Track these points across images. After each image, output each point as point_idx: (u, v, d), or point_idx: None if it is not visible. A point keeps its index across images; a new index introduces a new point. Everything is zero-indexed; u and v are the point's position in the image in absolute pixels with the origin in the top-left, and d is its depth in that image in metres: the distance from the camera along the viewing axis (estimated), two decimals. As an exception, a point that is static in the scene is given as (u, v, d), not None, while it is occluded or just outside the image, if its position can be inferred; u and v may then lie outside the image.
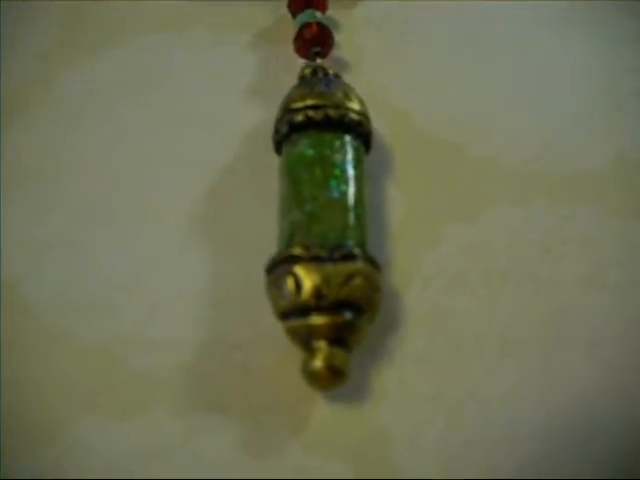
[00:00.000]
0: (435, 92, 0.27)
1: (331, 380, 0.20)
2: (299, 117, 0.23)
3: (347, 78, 0.26)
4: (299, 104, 0.23)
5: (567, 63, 0.28)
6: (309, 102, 0.23)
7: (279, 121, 0.24)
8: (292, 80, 0.25)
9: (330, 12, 0.28)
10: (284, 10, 0.28)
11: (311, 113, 0.23)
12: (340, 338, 0.21)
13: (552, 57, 0.28)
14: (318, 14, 0.27)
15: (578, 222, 0.25)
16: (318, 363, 0.20)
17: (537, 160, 0.26)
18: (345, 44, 0.28)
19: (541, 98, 0.27)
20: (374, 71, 0.27)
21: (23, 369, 0.22)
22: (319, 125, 0.23)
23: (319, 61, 0.26)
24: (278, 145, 0.24)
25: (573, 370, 0.22)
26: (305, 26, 0.26)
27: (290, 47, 0.27)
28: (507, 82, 0.27)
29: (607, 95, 0.27)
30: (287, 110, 0.23)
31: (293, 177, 0.22)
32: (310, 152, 0.23)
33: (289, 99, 0.24)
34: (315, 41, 0.26)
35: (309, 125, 0.23)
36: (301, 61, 0.26)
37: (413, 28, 0.28)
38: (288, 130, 0.23)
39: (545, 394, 0.22)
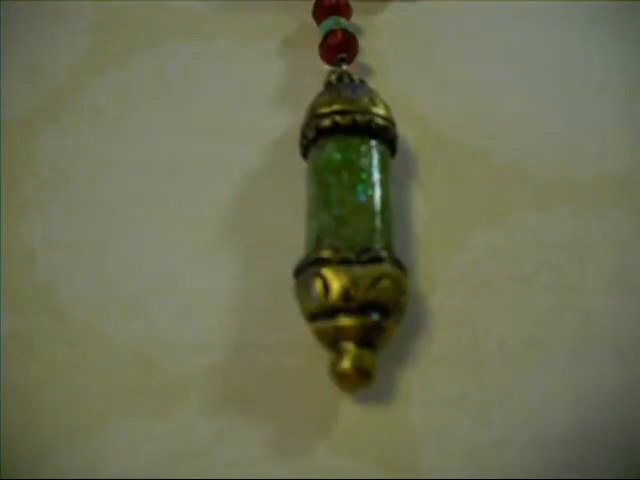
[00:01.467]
0: (459, 97, 0.27)
1: (359, 381, 0.21)
2: (326, 122, 0.23)
3: (371, 84, 0.26)
4: (326, 109, 0.24)
5: (592, 66, 0.28)
6: (336, 107, 0.23)
7: (306, 126, 0.24)
8: (318, 86, 0.26)
9: (354, 18, 0.28)
10: (309, 17, 0.28)
11: (338, 118, 0.23)
12: (367, 339, 0.21)
13: (577, 60, 0.28)
14: (343, 21, 0.27)
15: (603, 226, 0.25)
16: (346, 364, 0.21)
17: (561, 164, 0.26)
18: (369, 50, 0.28)
19: (565, 101, 0.27)
20: (398, 77, 0.28)
21: (58, 371, 0.22)
22: (346, 130, 0.23)
23: (344, 67, 0.26)
24: (305, 150, 0.24)
25: (599, 373, 0.22)
26: (330, 33, 0.26)
27: (315, 53, 0.27)
28: (531, 86, 0.28)
29: (632, 97, 0.28)
30: (314, 115, 0.24)
31: (321, 181, 0.23)
32: (337, 156, 0.23)
33: (316, 104, 0.24)
34: (340, 48, 0.26)
35: (336, 130, 0.23)
36: (326, 67, 0.27)
37: (436, 34, 0.29)
38: (315, 135, 0.23)
39: (571, 397, 0.22)
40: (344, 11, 0.27)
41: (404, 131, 0.26)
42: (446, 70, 0.28)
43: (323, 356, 0.21)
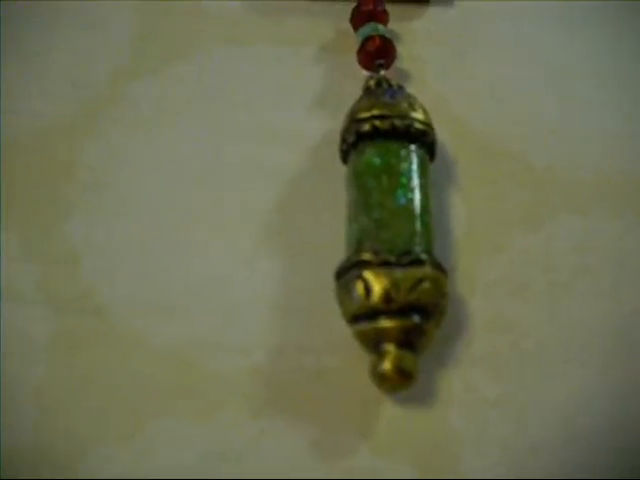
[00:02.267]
0: (495, 101, 0.27)
1: (399, 382, 0.21)
2: (366, 127, 0.23)
3: (409, 89, 0.26)
4: (365, 114, 0.24)
5: (628, 68, 0.28)
6: (375, 112, 0.24)
7: (346, 131, 0.24)
8: (356, 91, 0.26)
9: (391, 24, 0.28)
10: (345, 24, 0.28)
11: (377, 123, 0.23)
12: (408, 341, 0.21)
13: (613, 62, 0.28)
14: (380, 27, 0.27)
15: (640, 232, 0.25)
16: (387, 365, 0.21)
17: (599, 168, 0.26)
18: (406, 55, 0.28)
19: (601, 104, 0.27)
20: (435, 82, 0.28)
21: (100, 372, 0.22)
22: (385, 134, 0.23)
23: (382, 73, 0.26)
24: (345, 154, 0.24)
25: (635, 377, 0.22)
26: (368, 39, 0.27)
27: (352, 58, 0.27)
28: (567, 89, 0.28)
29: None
30: (354, 120, 0.24)
31: (361, 185, 0.23)
32: (377, 161, 0.23)
33: (355, 109, 0.24)
34: (378, 54, 0.26)
35: (375, 134, 0.23)
36: (364, 72, 0.27)
37: (472, 38, 0.29)
38: (355, 139, 0.24)
39: (607, 401, 0.22)
40: (381, 17, 0.28)
41: (442, 135, 0.26)
42: (482, 74, 0.28)
43: (364, 358, 0.22)
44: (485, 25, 0.29)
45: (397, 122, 0.23)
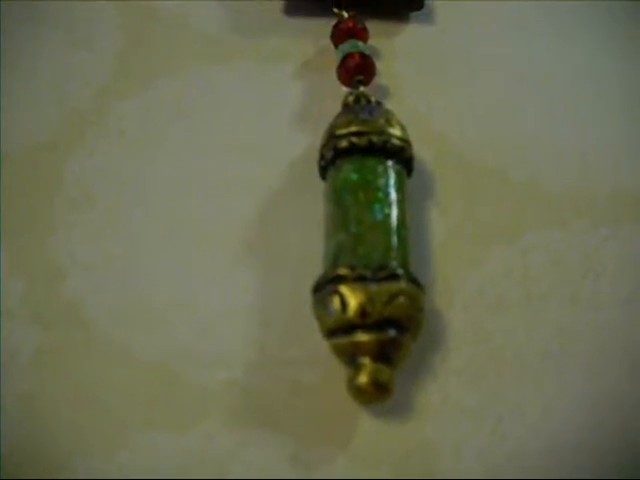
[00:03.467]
0: (474, 116, 0.28)
1: (376, 395, 0.21)
2: (343, 143, 0.24)
3: (388, 105, 0.26)
4: (343, 130, 0.24)
5: (607, 82, 0.29)
6: (353, 129, 0.24)
7: (324, 147, 0.24)
8: (335, 107, 0.26)
9: (371, 41, 0.29)
10: (326, 40, 0.29)
11: (355, 139, 0.24)
12: (384, 355, 0.21)
13: (595, 78, 0.29)
14: (360, 44, 0.28)
15: (618, 243, 0.25)
16: (363, 379, 0.21)
17: (577, 181, 0.26)
18: (386, 72, 0.28)
19: (580, 118, 0.28)
20: (414, 97, 0.28)
21: (84, 384, 0.23)
22: (363, 151, 0.24)
23: (362, 89, 0.27)
24: (323, 170, 0.25)
25: (612, 387, 0.23)
26: (348, 56, 0.27)
27: (333, 75, 0.28)
28: (546, 104, 0.28)
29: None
30: (332, 136, 0.24)
31: (338, 201, 0.23)
32: (354, 177, 0.23)
33: (334, 126, 0.25)
34: (358, 70, 0.27)
35: (353, 151, 0.24)
36: (344, 89, 0.27)
37: (452, 54, 0.29)
38: (333, 156, 0.24)
39: (585, 410, 0.22)
40: (361, 34, 0.28)
41: (421, 151, 0.26)
42: (461, 90, 0.28)
43: (341, 371, 0.22)
44: (464, 41, 0.30)
45: (374, 138, 0.24)
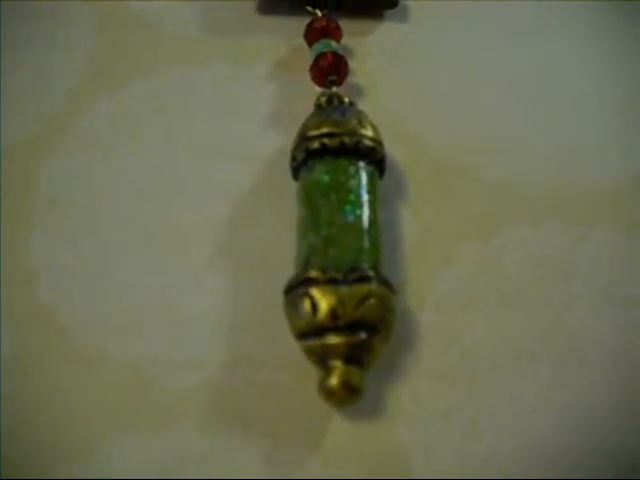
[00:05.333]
0: (448, 116, 0.28)
1: (347, 397, 0.21)
2: (315, 144, 0.24)
3: (361, 104, 0.27)
4: (315, 132, 0.24)
5: (582, 84, 0.29)
6: (324, 130, 0.24)
7: (296, 148, 0.25)
8: (309, 107, 0.26)
9: (344, 40, 0.29)
10: (300, 40, 0.29)
11: (326, 140, 0.24)
12: (355, 357, 0.21)
13: (567, 78, 0.29)
14: (333, 43, 0.28)
15: (591, 242, 0.25)
16: (334, 381, 0.21)
17: (551, 181, 0.27)
18: (359, 70, 0.29)
19: (555, 119, 0.28)
20: (387, 97, 0.28)
21: (58, 388, 0.23)
22: (334, 152, 0.24)
23: (334, 89, 0.27)
24: (295, 171, 0.25)
25: (585, 386, 0.23)
26: (321, 55, 0.27)
27: (306, 75, 0.28)
28: (520, 104, 0.28)
29: (622, 116, 0.28)
30: (303, 138, 0.24)
31: (310, 202, 0.23)
32: (326, 178, 0.23)
33: (305, 127, 0.25)
34: (331, 70, 0.27)
35: (325, 152, 0.24)
36: (317, 89, 0.27)
37: (425, 54, 0.29)
38: (304, 157, 0.24)
39: (558, 410, 0.23)
40: (334, 33, 0.28)
41: (393, 150, 0.26)
42: (435, 89, 0.28)
43: (314, 373, 0.22)
44: (438, 40, 0.30)
45: (346, 139, 0.24)
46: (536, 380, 0.23)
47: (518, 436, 0.22)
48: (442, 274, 0.25)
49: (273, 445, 0.22)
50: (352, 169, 0.24)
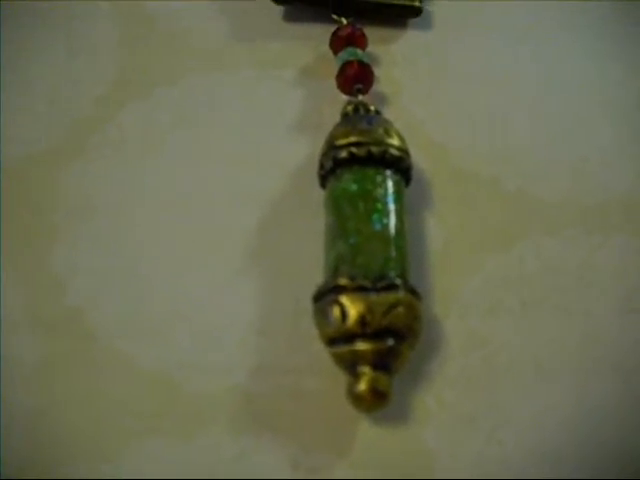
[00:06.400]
0: (471, 124, 0.28)
1: (374, 402, 0.22)
2: (343, 154, 0.24)
3: (386, 112, 0.27)
4: (343, 141, 0.25)
5: (598, 91, 0.29)
6: (352, 139, 0.24)
7: (324, 157, 0.25)
8: (335, 114, 0.27)
9: (369, 48, 0.29)
10: (325, 47, 0.29)
11: (354, 150, 0.24)
12: (383, 363, 0.22)
13: (583, 86, 0.29)
14: (359, 51, 0.28)
15: (610, 250, 0.26)
16: (362, 387, 0.22)
17: (570, 189, 0.27)
18: (384, 79, 0.29)
19: (572, 127, 0.28)
20: (412, 105, 0.28)
21: (88, 392, 0.23)
22: (362, 161, 0.24)
23: (360, 97, 0.27)
24: (323, 179, 0.25)
25: (605, 396, 0.23)
26: (347, 64, 0.27)
27: (332, 82, 0.28)
28: (539, 113, 0.29)
29: (638, 121, 0.28)
30: (331, 147, 0.25)
31: (338, 211, 0.24)
32: (354, 187, 0.24)
33: (333, 136, 0.25)
34: (357, 79, 0.27)
35: (352, 161, 0.24)
36: (343, 96, 0.28)
37: (449, 62, 0.30)
38: (332, 166, 0.24)
39: (577, 416, 0.23)
40: (360, 41, 0.28)
41: (417, 158, 0.26)
42: (458, 97, 0.29)
43: (342, 378, 0.22)
44: (461, 48, 0.30)
45: (373, 149, 0.24)
46: (556, 387, 0.23)
47: (539, 442, 0.23)
48: (466, 282, 0.25)
49: (301, 449, 0.22)
50: (379, 178, 0.24)
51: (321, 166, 0.25)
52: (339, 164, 0.24)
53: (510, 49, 0.30)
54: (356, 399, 0.22)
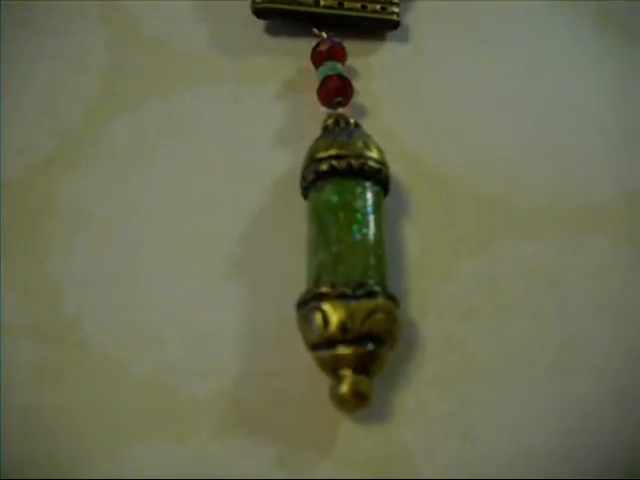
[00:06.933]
0: (448, 134, 0.29)
1: (356, 404, 0.23)
2: (324, 166, 0.25)
3: (365, 124, 0.28)
4: (323, 154, 0.26)
5: (577, 100, 0.30)
6: (332, 152, 0.25)
7: (305, 169, 0.26)
8: (316, 126, 0.28)
9: (348, 60, 0.30)
10: (307, 61, 0.30)
11: (335, 162, 0.25)
12: (363, 366, 0.23)
13: (562, 95, 0.30)
14: (339, 66, 0.29)
15: (584, 254, 0.27)
16: (344, 389, 0.23)
17: (546, 195, 0.28)
18: (363, 91, 0.30)
19: (551, 135, 0.29)
20: (390, 116, 0.29)
21: (81, 398, 0.24)
22: (342, 173, 0.25)
23: (340, 110, 0.28)
24: (305, 190, 0.26)
25: (580, 397, 0.24)
26: (327, 78, 0.28)
27: (313, 95, 0.29)
28: (516, 120, 0.30)
29: (617, 131, 0.29)
30: (312, 159, 0.26)
31: (320, 221, 0.25)
32: (335, 198, 0.25)
33: (314, 149, 0.26)
34: (337, 92, 0.28)
35: (333, 173, 0.25)
36: (324, 108, 0.29)
37: (427, 73, 0.31)
38: (314, 178, 0.26)
39: (552, 416, 0.24)
40: (339, 55, 0.29)
41: (396, 168, 0.28)
42: (435, 108, 0.30)
43: (325, 381, 0.24)
44: (438, 61, 0.31)
45: (353, 162, 0.25)
46: (530, 387, 0.25)
47: (514, 441, 0.24)
48: (442, 286, 0.26)
49: (286, 449, 0.23)
50: (359, 189, 0.25)
51: (303, 178, 0.26)
52: (320, 176, 0.25)
53: (488, 59, 0.31)
54: (339, 401, 0.23)
